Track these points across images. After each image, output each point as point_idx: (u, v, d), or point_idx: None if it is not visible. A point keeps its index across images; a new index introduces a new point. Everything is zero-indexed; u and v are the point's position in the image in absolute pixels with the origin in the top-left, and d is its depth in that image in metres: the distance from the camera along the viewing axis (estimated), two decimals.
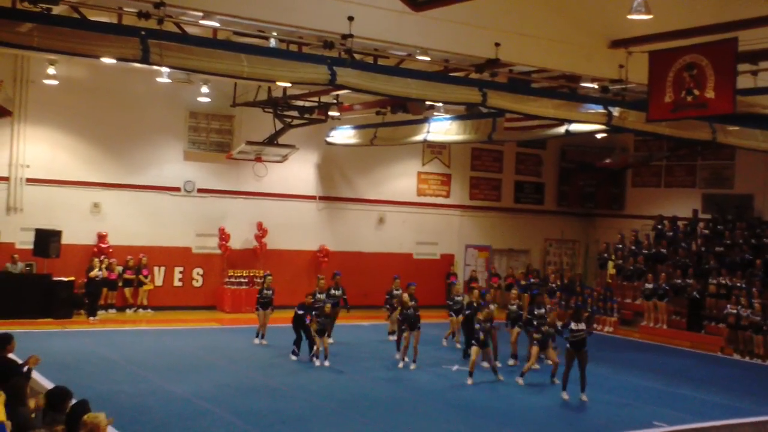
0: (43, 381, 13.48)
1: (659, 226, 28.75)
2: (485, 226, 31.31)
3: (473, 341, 17.26)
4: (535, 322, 17.59)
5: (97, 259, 23.33)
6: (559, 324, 17.02)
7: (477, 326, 17.05)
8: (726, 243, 26.20)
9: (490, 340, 17.19)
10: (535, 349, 17.10)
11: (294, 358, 18.24)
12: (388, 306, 21.25)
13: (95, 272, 22.92)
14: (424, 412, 14.46)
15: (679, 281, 25.29)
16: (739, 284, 23.81)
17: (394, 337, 19.85)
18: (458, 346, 20.42)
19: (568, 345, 16.03)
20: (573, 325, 15.93)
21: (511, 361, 18.81)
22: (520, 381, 16.95)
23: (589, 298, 26.69)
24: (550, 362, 17.47)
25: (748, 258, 24.99)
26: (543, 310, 18.19)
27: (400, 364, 17.95)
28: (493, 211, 31.58)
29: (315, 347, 17.96)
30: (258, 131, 25.25)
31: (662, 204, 30.20)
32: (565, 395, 15.90)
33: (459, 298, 20.64)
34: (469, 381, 16.71)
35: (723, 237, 26.63)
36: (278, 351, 19.12)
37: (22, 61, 23.05)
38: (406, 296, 18.44)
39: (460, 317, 19.72)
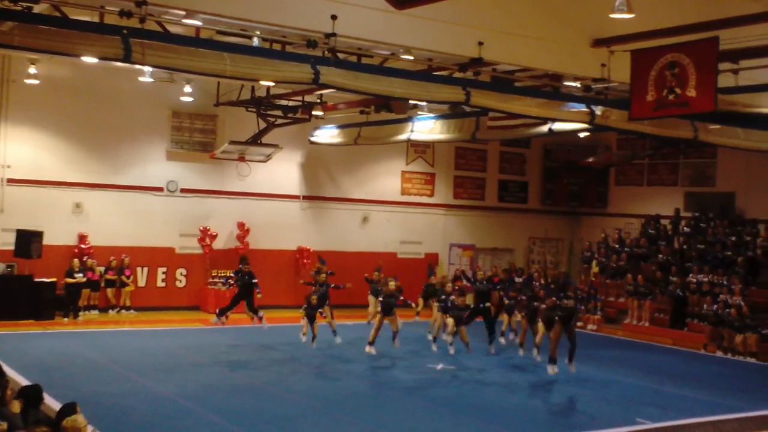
0: (26, 383, 13.37)
1: (651, 231, 28.66)
2: (469, 225, 31.37)
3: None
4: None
5: (77, 260, 23.20)
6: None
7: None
8: (708, 240, 26.37)
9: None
10: (540, 326, 18.30)
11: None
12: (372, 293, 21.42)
13: (74, 279, 22.87)
14: (410, 410, 14.47)
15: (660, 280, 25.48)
16: (720, 281, 23.98)
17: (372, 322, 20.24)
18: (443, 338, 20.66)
19: (556, 319, 16.72)
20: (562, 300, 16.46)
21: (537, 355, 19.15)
22: (538, 358, 18.28)
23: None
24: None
25: (729, 255, 25.14)
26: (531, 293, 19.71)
27: (367, 348, 18.57)
28: (478, 210, 31.64)
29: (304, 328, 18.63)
30: (241, 131, 25.15)
31: (645, 202, 30.36)
32: (551, 369, 17.08)
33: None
34: (451, 351, 17.96)
35: (705, 235, 26.80)
36: (263, 351, 19.09)
37: (3, 61, 22.89)
38: (392, 284, 18.70)
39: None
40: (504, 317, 20.99)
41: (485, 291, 19.83)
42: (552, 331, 17.50)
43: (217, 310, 20.29)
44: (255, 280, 19.99)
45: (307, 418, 13.60)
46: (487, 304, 19.75)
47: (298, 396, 15.09)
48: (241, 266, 20.34)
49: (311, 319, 18.66)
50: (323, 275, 20.35)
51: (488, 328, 20.02)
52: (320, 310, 19.03)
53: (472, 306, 19.99)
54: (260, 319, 19.92)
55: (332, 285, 20.18)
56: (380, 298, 19.22)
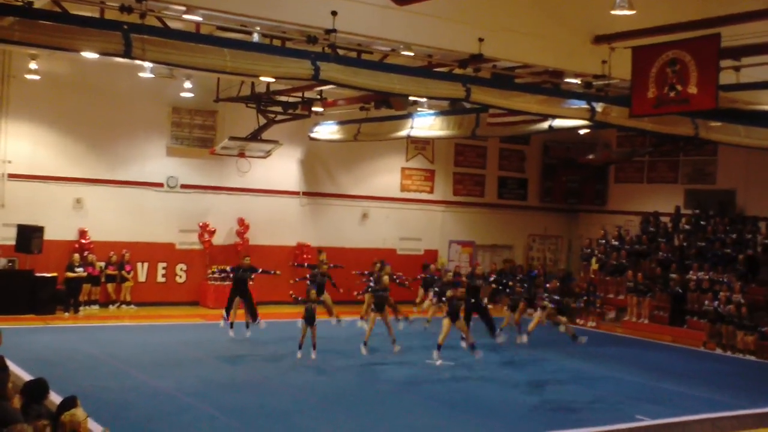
0: (27, 377, 13.38)
1: (652, 229, 28.66)
2: (469, 222, 31.38)
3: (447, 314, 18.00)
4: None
5: (77, 255, 23.23)
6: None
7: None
8: (708, 238, 26.38)
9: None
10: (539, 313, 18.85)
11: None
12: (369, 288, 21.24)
13: (74, 273, 22.89)
14: (408, 407, 14.49)
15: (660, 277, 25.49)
16: (720, 279, 23.99)
17: (364, 324, 20.29)
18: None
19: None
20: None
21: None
22: (525, 338, 19.03)
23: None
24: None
25: (728, 253, 25.14)
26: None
27: (363, 351, 18.26)
28: (477, 206, 31.65)
29: (302, 337, 17.99)
30: (241, 127, 25.18)
31: (645, 200, 30.37)
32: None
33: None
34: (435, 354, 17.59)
35: (705, 232, 26.81)
36: (262, 346, 19.11)
37: (3, 56, 22.89)
38: (386, 278, 18.71)
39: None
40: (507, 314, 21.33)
41: (476, 287, 19.42)
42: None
43: (224, 316, 19.97)
44: (257, 271, 20.01)
45: (305, 413, 13.62)
46: (485, 302, 19.72)
47: (297, 391, 15.12)
48: (242, 262, 20.19)
49: (310, 322, 17.81)
50: (324, 266, 20.52)
51: (486, 323, 19.58)
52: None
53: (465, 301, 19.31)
54: (257, 323, 19.74)
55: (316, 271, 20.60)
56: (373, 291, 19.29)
